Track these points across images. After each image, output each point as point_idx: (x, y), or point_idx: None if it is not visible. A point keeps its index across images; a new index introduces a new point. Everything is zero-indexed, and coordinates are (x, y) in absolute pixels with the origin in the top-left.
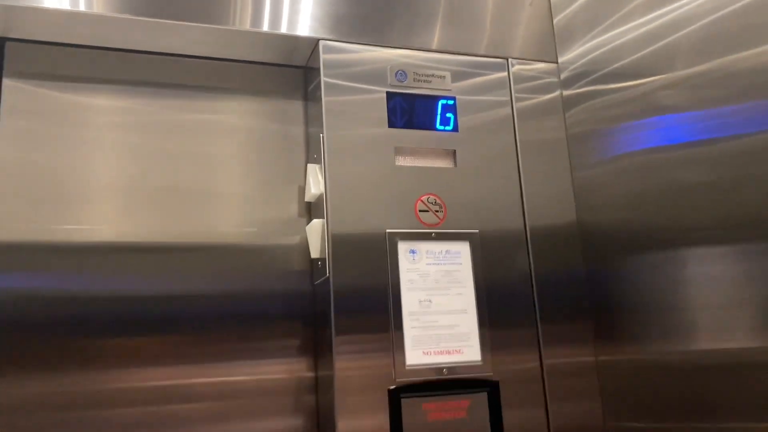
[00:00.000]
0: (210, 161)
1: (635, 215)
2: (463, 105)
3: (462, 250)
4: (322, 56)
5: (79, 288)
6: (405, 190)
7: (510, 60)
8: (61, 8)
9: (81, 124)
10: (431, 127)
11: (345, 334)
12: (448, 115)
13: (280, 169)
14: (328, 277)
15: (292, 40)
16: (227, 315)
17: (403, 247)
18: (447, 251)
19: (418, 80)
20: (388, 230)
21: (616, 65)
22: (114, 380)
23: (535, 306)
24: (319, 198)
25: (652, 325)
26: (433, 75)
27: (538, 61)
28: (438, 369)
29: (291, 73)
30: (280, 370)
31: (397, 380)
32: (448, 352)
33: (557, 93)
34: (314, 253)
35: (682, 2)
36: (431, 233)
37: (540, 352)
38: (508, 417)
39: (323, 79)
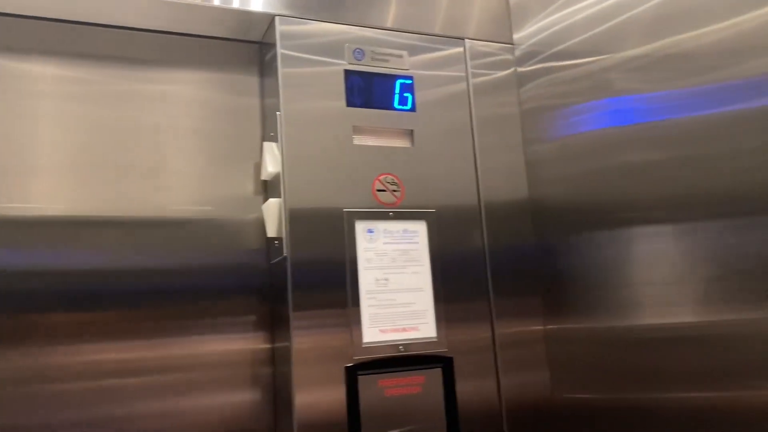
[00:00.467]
0: (162, 133)
1: (584, 193)
2: (420, 80)
3: (419, 229)
4: (279, 28)
5: (27, 263)
6: (363, 170)
7: (466, 39)
8: None
9: (25, 94)
10: (389, 106)
11: (302, 311)
12: (406, 94)
13: (235, 144)
14: (285, 257)
15: (248, 15)
16: (179, 290)
17: (360, 226)
18: (404, 230)
19: (376, 59)
20: (345, 209)
21: (568, 44)
22: (64, 355)
23: (488, 281)
24: (276, 177)
25: (600, 300)
26: (390, 54)
27: (494, 41)
28: (394, 346)
29: (246, 48)
30: (235, 344)
31: (354, 358)
32: (405, 330)
33: (512, 70)
34: (271, 233)
35: None
36: (389, 212)
37: (492, 326)
38: (462, 390)
39: (279, 50)
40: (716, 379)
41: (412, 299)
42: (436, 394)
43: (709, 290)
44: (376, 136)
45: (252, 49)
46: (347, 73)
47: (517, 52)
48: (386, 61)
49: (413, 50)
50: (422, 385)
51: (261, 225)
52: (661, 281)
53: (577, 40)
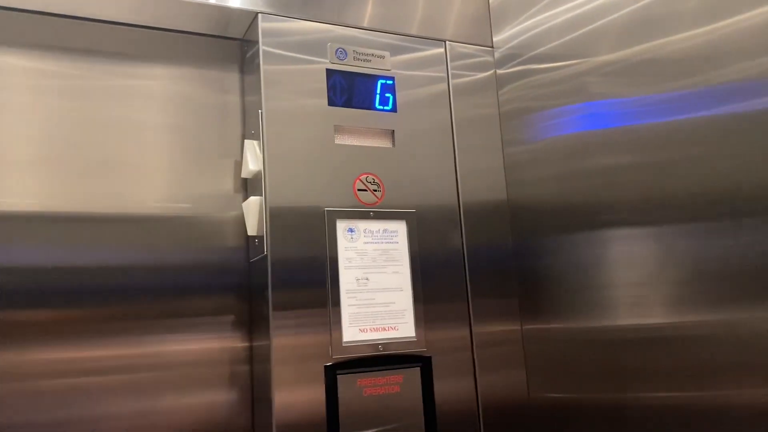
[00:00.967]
0: (140, 129)
1: (562, 194)
2: (402, 81)
3: (399, 229)
4: (261, 25)
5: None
6: (344, 169)
7: (447, 40)
8: None
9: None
10: (370, 106)
11: (282, 310)
12: (387, 95)
13: (215, 141)
14: (266, 255)
15: (230, 12)
16: (156, 287)
17: (341, 225)
18: (385, 230)
19: (358, 59)
20: (326, 208)
21: (546, 47)
22: (37, 353)
23: (466, 282)
24: (257, 175)
25: (576, 300)
26: (372, 54)
27: (474, 43)
28: (374, 345)
29: (227, 45)
30: (212, 343)
31: (334, 357)
32: (384, 329)
33: (491, 72)
34: (251, 231)
35: None
36: (369, 212)
37: (470, 325)
38: (440, 389)
39: (262, 47)
40: (689, 379)
41: (392, 299)
42: (414, 394)
43: (681, 292)
44: (357, 135)
45: (233, 46)
46: (329, 72)
47: (497, 55)
48: (368, 61)
49: (395, 50)
50: (401, 384)
51: (240, 223)
52: (635, 282)
53: (555, 43)
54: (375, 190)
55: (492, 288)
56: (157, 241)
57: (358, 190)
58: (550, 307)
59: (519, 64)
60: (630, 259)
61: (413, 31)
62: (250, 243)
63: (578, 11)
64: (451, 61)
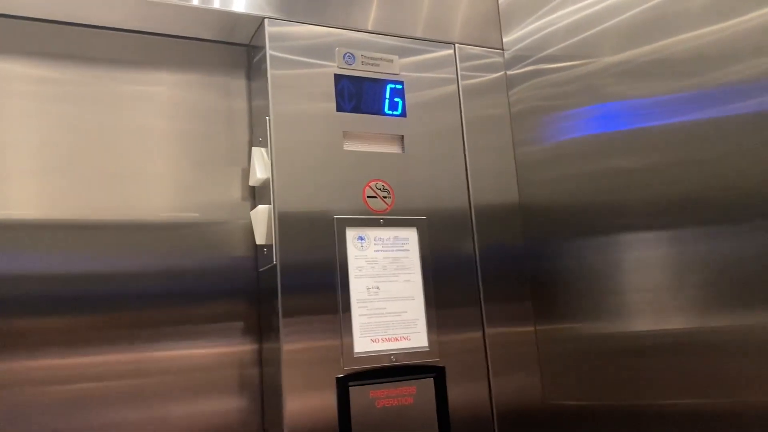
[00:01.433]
0: (147, 137)
1: (575, 197)
2: (410, 84)
3: (410, 237)
4: (268, 30)
5: (6, 268)
6: (353, 176)
7: (456, 42)
8: None
9: (1, 94)
10: (379, 111)
11: (292, 321)
12: (396, 99)
13: (222, 148)
14: (275, 265)
15: (237, 17)
16: (163, 295)
17: (351, 233)
18: (395, 237)
19: (366, 63)
20: (336, 216)
21: (557, 47)
22: (47, 360)
23: (479, 287)
24: (265, 182)
25: (590, 305)
26: (381, 58)
27: (484, 45)
28: (386, 356)
29: (234, 51)
30: (222, 350)
31: (345, 368)
32: (396, 339)
33: (501, 73)
34: (260, 240)
35: None
36: (379, 219)
37: (484, 332)
38: (454, 398)
39: (269, 52)
40: (708, 386)
41: (404, 308)
42: (428, 405)
43: (700, 296)
44: (366, 141)
45: (240, 52)
46: (337, 77)
47: (507, 56)
48: (377, 65)
49: (404, 54)
50: (414, 395)
51: (248, 231)
52: (651, 287)
53: (565, 44)
54: (385, 197)
55: (505, 293)
56: (164, 250)
57: (368, 197)
58: (564, 312)
59: (529, 64)
60: (645, 263)
61: (422, 34)
62: (259, 252)
63: (588, 11)
64: (460, 62)
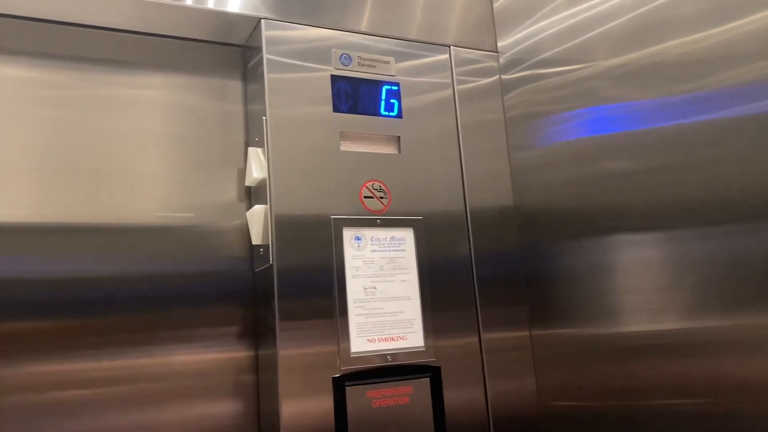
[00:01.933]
0: (140, 138)
1: (570, 200)
2: (407, 87)
3: (406, 237)
4: (265, 33)
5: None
6: (350, 176)
7: (452, 45)
8: None
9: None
10: (376, 112)
11: (289, 320)
12: (393, 100)
13: (217, 149)
14: (272, 265)
15: (233, 18)
16: (159, 298)
17: (348, 233)
18: (392, 238)
19: (363, 64)
20: (333, 216)
21: (552, 52)
22: (38, 365)
23: (475, 288)
24: (261, 182)
25: (585, 307)
26: (377, 60)
27: (479, 48)
28: (382, 356)
29: (228, 52)
30: (217, 353)
31: (342, 368)
32: (393, 339)
33: (496, 77)
34: (256, 240)
35: None
36: (376, 220)
37: (479, 333)
38: (450, 399)
39: (266, 56)
40: (702, 387)
41: (400, 308)
42: (424, 405)
43: (695, 297)
44: (362, 142)
45: (234, 53)
46: (334, 78)
47: (502, 60)
48: (373, 66)
49: (400, 56)
50: (410, 395)
51: (244, 232)
52: (645, 289)
53: (560, 48)
54: (381, 198)
55: (501, 295)
56: (159, 252)
57: (365, 197)
58: (560, 314)
59: (524, 69)
60: (640, 265)
61: (417, 36)
62: (255, 252)
63: (583, 15)
64: (456, 66)
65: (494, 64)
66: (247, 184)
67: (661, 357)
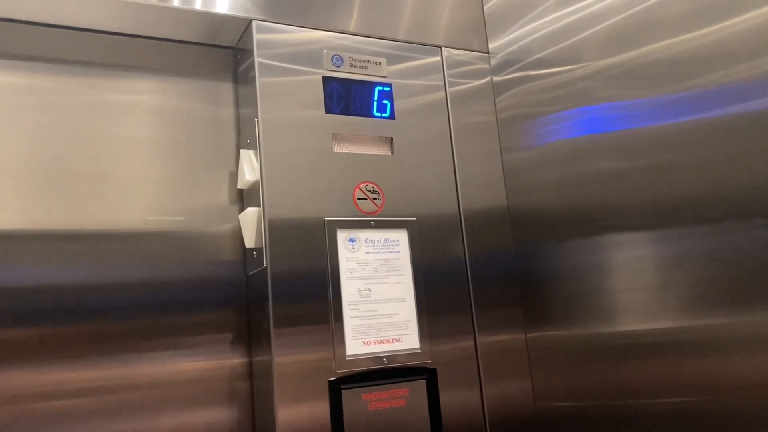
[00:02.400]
0: (129, 142)
1: (563, 200)
2: (399, 88)
3: (400, 238)
4: (256, 36)
5: None
6: (343, 178)
7: (443, 47)
8: None
9: None
10: (368, 113)
11: (284, 326)
12: (385, 101)
13: (207, 152)
14: (265, 268)
15: (223, 19)
16: (150, 304)
17: (342, 235)
18: (386, 239)
19: (354, 65)
20: (326, 218)
21: (543, 53)
22: (30, 375)
23: (469, 290)
24: (254, 185)
25: (580, 307)
26: (369, 61)
27: (470, 50)
28: (378, 358)
29: (219, 54)
30: (211, 359)
31: (338, 371)
32: (388, 341)
33: (488, 79)
34: (249, 243)
35: None
36: (370, 221)
37: (475, 335)
38: (446, 401)
39: (257, 59)
40: (697, 385)
41: (395, 310)
42: (420, 407)
43: (687, 296)
44: (355, 143)
45: (225, 55)
46: (326, 79)
47: (493, 61)
48: (365, 68)
49: (391, 58)
50: (406, 397)
51: (236, 235)
52: (640, 288)
53: (552, 49)
54: (375, 199)
55: (495, 296)
56: (150, 257)
57: (358, 199)
58: (555, 315)
59: (516, 70)
60: (634, 264)
61: (408, 37)
62: (248, 255)
63: (574, 16)
64: (447, 68)
65: (485, 65)
66: (239, 186)
67: (657, 356)
